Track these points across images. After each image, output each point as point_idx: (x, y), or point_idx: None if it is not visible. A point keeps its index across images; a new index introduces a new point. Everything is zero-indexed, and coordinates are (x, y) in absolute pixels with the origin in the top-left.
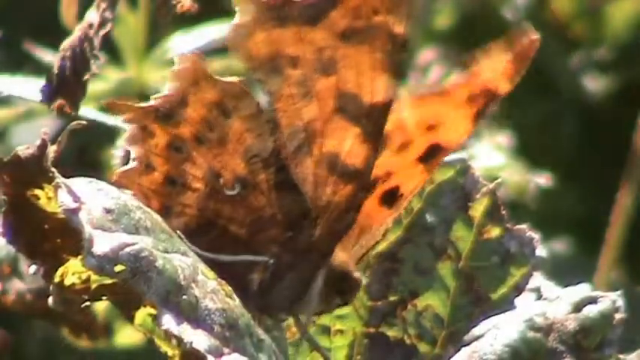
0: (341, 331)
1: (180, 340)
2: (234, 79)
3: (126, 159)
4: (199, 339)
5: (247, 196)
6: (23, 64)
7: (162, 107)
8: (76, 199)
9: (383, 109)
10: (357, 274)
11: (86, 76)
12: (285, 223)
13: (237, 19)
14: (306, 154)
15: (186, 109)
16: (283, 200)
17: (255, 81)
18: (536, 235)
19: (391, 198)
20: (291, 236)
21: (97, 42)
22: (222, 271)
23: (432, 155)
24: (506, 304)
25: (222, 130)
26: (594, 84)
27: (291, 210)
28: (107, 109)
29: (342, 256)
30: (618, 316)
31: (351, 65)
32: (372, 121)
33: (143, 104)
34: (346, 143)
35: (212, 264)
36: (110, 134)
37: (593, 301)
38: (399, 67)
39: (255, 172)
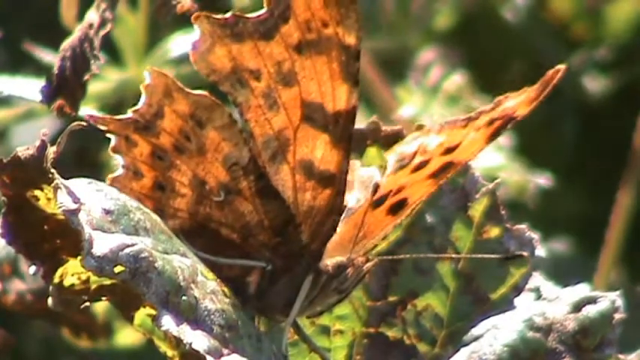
0: (340, 332)
1: (179, 341)
2: (203, 91)
3: None
4: (199, 339)
5: (233, 202)
6: (23, 64)
7: (141, 119)
8: (76, 199)
9: (348, 116)
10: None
11: (86, 77)
12: (272, 229)
13: (195, 35)
14: (282, 161)
15: (162, 120)
16: (267, 207)
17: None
18: (535, 235)
19: (398, 208)
20: (280, 241)
21: (97, 42)
22: (219, 273)
23: (443, 171)
24: (505, 304)
25: (199, 140)
26: (594, 84)
27: (276, 216)
28: (111, 109)
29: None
30: (618, 316)
31: (311, 76)
32: (340, 128)
33: (122, 117)
34: (318, 150)
35: (209, 266)
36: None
37: (592, 301)
38: (355, 75)
39: (237, 180)
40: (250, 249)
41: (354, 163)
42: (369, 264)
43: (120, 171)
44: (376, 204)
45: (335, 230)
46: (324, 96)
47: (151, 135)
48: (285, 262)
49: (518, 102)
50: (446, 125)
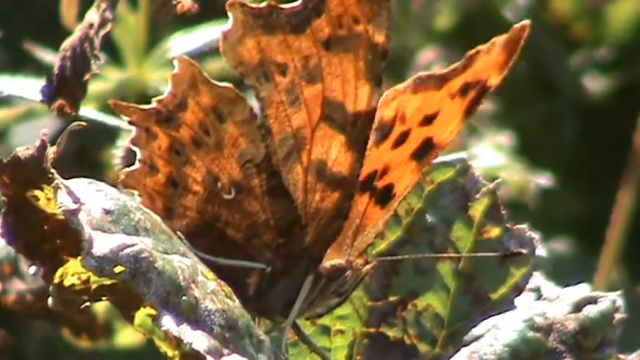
0: (341, 332)
1: (180, 341)
2: (228, 84)
3: (126, 159)
4: (199, 340)
5: (242, 200)
6: (23, 64)
7: (164, 110)
8: (76, 199)
9: (366, 118)
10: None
11: (86, 77)
12: (278, 229)
13: (227, 25)
14: (296, 160)
15: (185, 112)
16: (275, 206)
17: (248, 87)
18: (536, 235)
19: (385, 197)
20: (283, 242)
21: (97, 42)
22: (220, 273)
23: (424, 151)
24: (506, 304)
25: (218, 134)
26: (595, 84)
27: (283, 216)
28: (110, 109)
29: (334, 257)
30: (618, 316)
31: (336, 73)
32: (357, 130)
33: (145, 107)
34: (333, 151)
35: (210, 266)
36: (110, 135)
37: (593, 301)
38: (380, 76)
39: (249, 178)
40: (252, 250)
41: None
42: (367, 266)
43: (136, 165)
44: (364, 186)
45: (339, 234)
46: (346, 95)
47: (172, 127)
48: (286, 263)
49: (489, 63)
50: (420, 83)
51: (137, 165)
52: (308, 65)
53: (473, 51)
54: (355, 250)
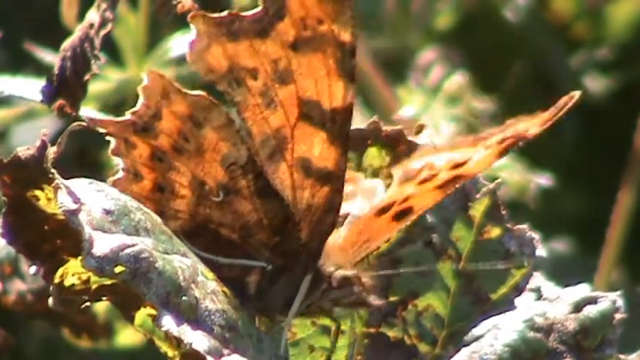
0: (341, 332)
1: (180, 341)
2: (201, 92)
3: None
4: (199, 340)
5: (232, 202)
6: (24, 64)
7: (139, 121)
8: (76, 200)
9: (344, 113)
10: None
11: (87, 77)
12: (272, 228)
13: (192, 35)
14: (280, 159)
15: (161, 121)
16: (266, 206)
17: (221, 92)
18: (536, 235)
19: (403, 215)
20: (280, 240)
21: (97, 42)
22: (219, 273)
23: (452, 183)
24: (506, 305)
25: (197, 140)
26: (595, 84)
27: (275, 215)
28: (111, 109)
29: (340, 260)
30: (618, 316)
31: (307, 73)
32: (337, 125)
33: (121, 119)
34: (315, 148)
35: (210, 266)
36: None
37: (593, 301)
38: (352, 72)
39: (236, 180)
40: (250, 249)
41: (358, 176)
42: (371, 282)
43: (120, 174)
44: (381, 212)
45: (333, 228)
46: (320, 93)
47: (150, 137)
48: (285, 261)
49: (530, 124)
50: (454, 145)
51: (121, 173)
52: (278, 68)
53: (513, 120)
54: (365, 263)
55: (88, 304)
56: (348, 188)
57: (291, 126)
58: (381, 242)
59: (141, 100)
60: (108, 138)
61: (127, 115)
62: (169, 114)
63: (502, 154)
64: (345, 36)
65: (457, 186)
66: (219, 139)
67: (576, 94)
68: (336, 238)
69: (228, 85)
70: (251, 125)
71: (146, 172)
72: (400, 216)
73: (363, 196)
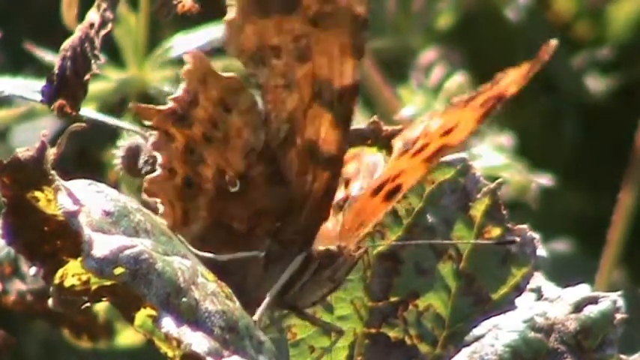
0: (342, 332)
1: (180, 342)
2: (233, 74)
3: (127, 160)
4: (199, 341)
5: (246, 191)
6: (24, 64)
7: (178, 109)
8: (76, 201)
9: (351, 92)
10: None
11: (87, 77)
12: (276, 214)
13: (228, 15)
14: (291, 144)
15: (197, 108)
16: (275, 191)
17: (249, 75)
18: (536, 235)
19: (392, 194)
20: (280, 226)
21: (97, 42)
22: (218, 268)
23: (437, 154)
24: (506, 305)
25: (225, 126)
26: (596, 84)
27: (281, 200)
28: (111, 109)
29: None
30: (619, 316)
31: (324, 50)
32: (343, 105)
33: (162, 107)
34: (322, 130)
35: (209, 262)
36: (110, 135)
37: (593, 301)
38: (362, 48)
39: (252, 166)
40: (254, 240)
41: (360, 152)
42: (360, 251)
43: (157, 171)
44: (375, 192)
45: (328, 213)
46: (332, 71)
47: (186, 126)
48: (282, 248)
49: (513, 79)
50: (450, 107)
51: (158, 171)
52: (299, 45)
53: (502, 74)
54: (354, 239)
55: (88, 304)
56: (352, 167)
57: (304, 107)
58: (372, 223)
59: (182, 85)
60: (150, 132)
61: (169, 104)
62: (205, 100)
63: (482, 118)
64: (360, 8)
65: (440, 158)
66: (243, 124)
67: (554, 43)
68: (334, 223)
69: (255, 66)
70: (271, 109)
71: (179, 167)
72: (390, 195)
73: (365, 172)
